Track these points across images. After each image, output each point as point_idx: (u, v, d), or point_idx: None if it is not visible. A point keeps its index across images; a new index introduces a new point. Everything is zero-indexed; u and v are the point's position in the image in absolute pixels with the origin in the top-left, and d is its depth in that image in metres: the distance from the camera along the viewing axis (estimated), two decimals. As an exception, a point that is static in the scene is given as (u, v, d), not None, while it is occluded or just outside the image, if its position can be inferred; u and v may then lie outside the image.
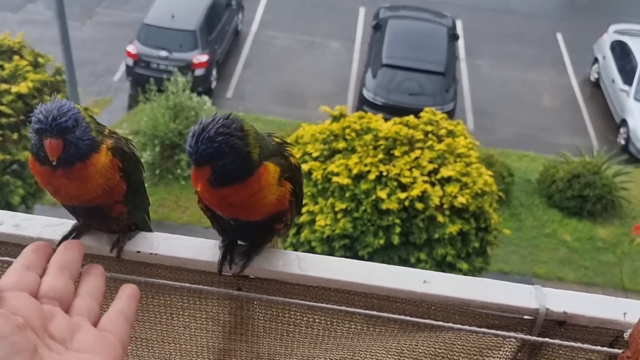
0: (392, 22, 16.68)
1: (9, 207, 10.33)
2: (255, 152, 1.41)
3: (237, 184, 1.41)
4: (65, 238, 1.55)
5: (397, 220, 8.98)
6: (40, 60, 11.07)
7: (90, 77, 15.67)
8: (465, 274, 9.11)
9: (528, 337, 1.51)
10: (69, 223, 1.61)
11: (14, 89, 10.21)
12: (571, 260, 12.51)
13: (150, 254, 1.54)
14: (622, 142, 15.61)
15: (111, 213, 1.53)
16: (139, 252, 1.55)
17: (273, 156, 1.48)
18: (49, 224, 1.58)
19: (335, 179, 9.07)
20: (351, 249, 9.16)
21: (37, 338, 0.85)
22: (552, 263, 12.43)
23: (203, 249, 1.57)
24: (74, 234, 1.58)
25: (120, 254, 1.55)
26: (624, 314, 1.47)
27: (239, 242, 1.60)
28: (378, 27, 16.90)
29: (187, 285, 1.56)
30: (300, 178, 1.56)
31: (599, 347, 1.49)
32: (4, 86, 10.21)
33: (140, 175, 1.62)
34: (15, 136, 10.15)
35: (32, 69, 10.72)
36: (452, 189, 9.01)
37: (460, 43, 18.17)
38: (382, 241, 9.10)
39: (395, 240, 9.03)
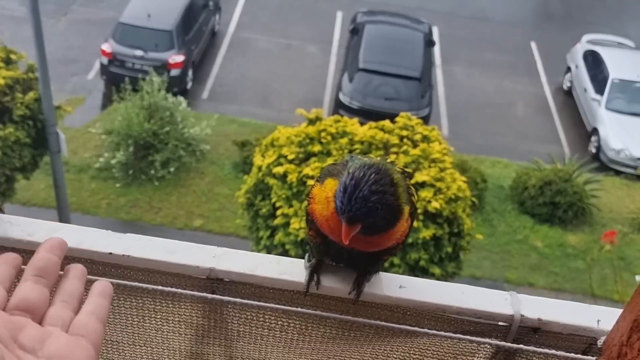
0: (369, 27, 16.76)
1: (-23, 205, 10.10)
2: (403, 202, 1.38)
3: (384, 233, 1.39)
4: None
5: (372, 225, 8.99)
6: (13, 56, 10.89)
7: (63, 75, 15.45)
8: (438, 278, 9.16)
9: (502, 343, 1.51)
10: (43, 223, 1.56)
11: (-15, 85, 10.02)
12: (542, 266, 12.67)
13: (123, 255, 1.51)
14: (593, 150, 15.87)
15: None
16: (110, 253, 1.52)
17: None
18: (19, 223, 1.53)
19: (310, 182, 9.05)
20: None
21: (4, 349, 0.82)
22: (523, 269, 12.57)
23: (176, 250, 1.54)
24: None
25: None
26: (598, 321, 1.48)
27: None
28: (355, 31, 16.96)
29: (160, 287, 1.53)
30: (414, 217, 1.51)
31: (572, 354, 1.50)
32: (-26, 82, 10.03)
33: None
34: (-15, 133, 9.97)
35: (4, 66, 10.56)
36: (426, 193, 9.06)
37: (437, 49, 18.33)
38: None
39: (369, 244, 9.04)
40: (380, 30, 16.79)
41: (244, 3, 19.51)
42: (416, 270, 9.33)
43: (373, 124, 9.87)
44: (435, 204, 8.98)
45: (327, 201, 1.39)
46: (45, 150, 11.08)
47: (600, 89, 16.55)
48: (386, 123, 9.83)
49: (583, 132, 16.56)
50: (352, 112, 14.54)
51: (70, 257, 1.53)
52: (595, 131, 16.02)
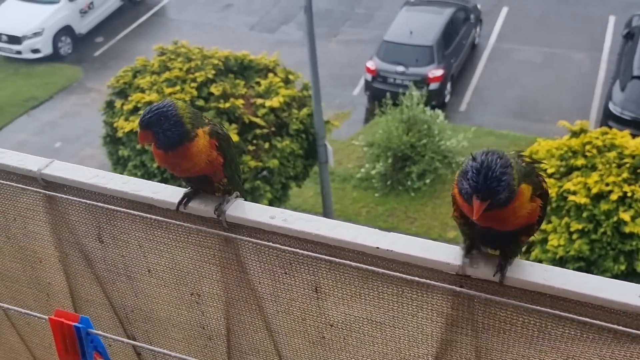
0: (647, 30, 15.33)
1: (259, 208, 11.52)
2: (516, 184, 1.63)
3: (504, 209, 1.63)
4: (179, 203, 2.08)
5: (642, 246, 8.33)
6: (291, 77, 12.24)
7: (332, 92, 16.85)
8: None
9: None
10: (326, 220, 1.95)
11: (268, 103, 11.42)
12: None
13: (387, 250, 1.82)
14: None
15: (214, 179, 2.06)
16: (377, 247, 1.84)
17: (525, 176, 1.68)
18: (310, 220, 1.94)
19: (571, 197, 8.68)
20: (586, 273, 8.69)
21: None
22: None
23: (431, 248, 1.80)
24: (185, 199, 2.09)
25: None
26: None
27: (488, 249, 1.83)
28: (630, 36, 15.64)
29: (417, 278, 1.81)
30: (546, 200, 1.77)
31: None
32: (260, 100, 11.48)
33: (232, 148, 2.12)
34: (266, 145, 11.35)
35: (283, 85, 11.91)
36: None
37: None
38: (623, 267, 8.51)
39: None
40: (659, 32, 15.25)
41: (506, 14, 19.23)
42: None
43: (646, 136, 9.11)
44: None
45: None
46: (315, 161, 12.28)
47: None
48: (662, 135, 9.00)
49: None
50: (623, 123, 13.45)
51: (345, 249, 1.89)
52: None
